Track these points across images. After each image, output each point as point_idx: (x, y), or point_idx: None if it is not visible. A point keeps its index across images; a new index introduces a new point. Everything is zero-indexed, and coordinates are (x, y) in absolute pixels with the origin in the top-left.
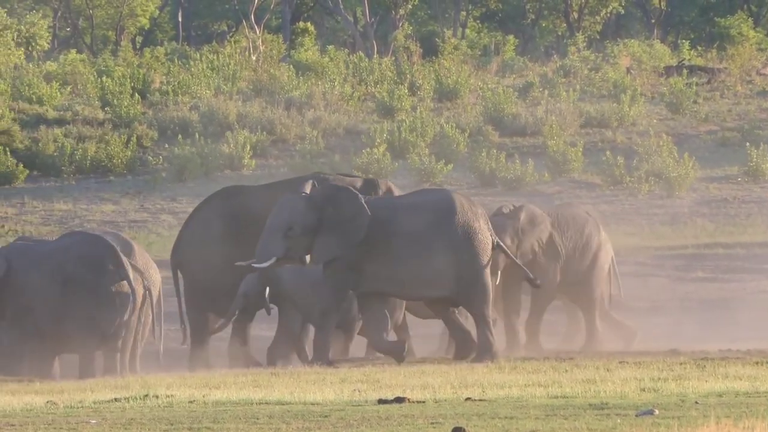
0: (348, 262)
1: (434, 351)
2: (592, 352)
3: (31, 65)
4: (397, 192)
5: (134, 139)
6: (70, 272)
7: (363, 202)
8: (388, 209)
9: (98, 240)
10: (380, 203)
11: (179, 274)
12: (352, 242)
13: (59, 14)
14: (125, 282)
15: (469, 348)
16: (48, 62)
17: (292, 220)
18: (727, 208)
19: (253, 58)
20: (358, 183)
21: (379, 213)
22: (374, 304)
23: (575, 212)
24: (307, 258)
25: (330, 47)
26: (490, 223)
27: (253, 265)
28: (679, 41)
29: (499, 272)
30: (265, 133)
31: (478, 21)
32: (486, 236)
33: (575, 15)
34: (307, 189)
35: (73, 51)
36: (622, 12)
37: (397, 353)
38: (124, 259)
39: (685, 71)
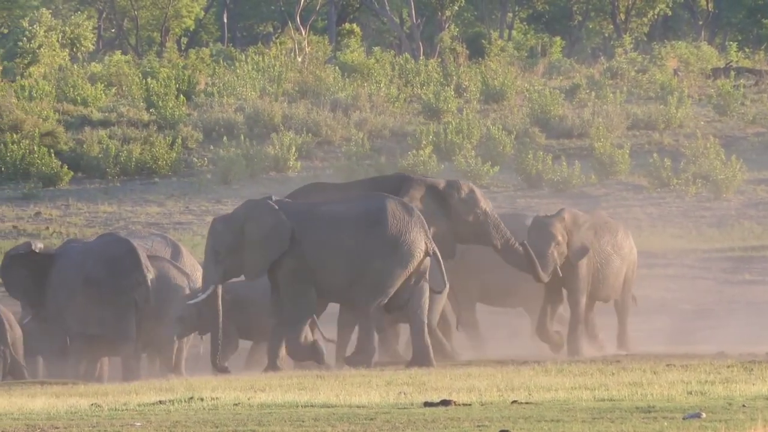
0: (297, 270)
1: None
2: (639, 355)
3: (76, 66)
4: (478, 194)
5: (179, 140)
6: (88, 273)
7: (282, 213)
8: (308, 217)
9: (120, 241)
10: (300, 210)
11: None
12: (276, 254)
13: (104, 15)
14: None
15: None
16: (93, 63)
17: (217, 245)
18: None
19: (299, 59)
20: (441, 184)
21: (300, 222)
22: (294, 307)
23: (606, 218)
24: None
25: (376, 49)
26: (424, 230)
27: (195, 298)
28: (726, 43)
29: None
30: (310, 134)
31: (524, 22)
32: (414, 244)
33: (622, 16)
34: (415, 194)
35: (118, 52)
36: (670, 13)
37: (317, 357)
38: (144, 260)
39: (732, 73)
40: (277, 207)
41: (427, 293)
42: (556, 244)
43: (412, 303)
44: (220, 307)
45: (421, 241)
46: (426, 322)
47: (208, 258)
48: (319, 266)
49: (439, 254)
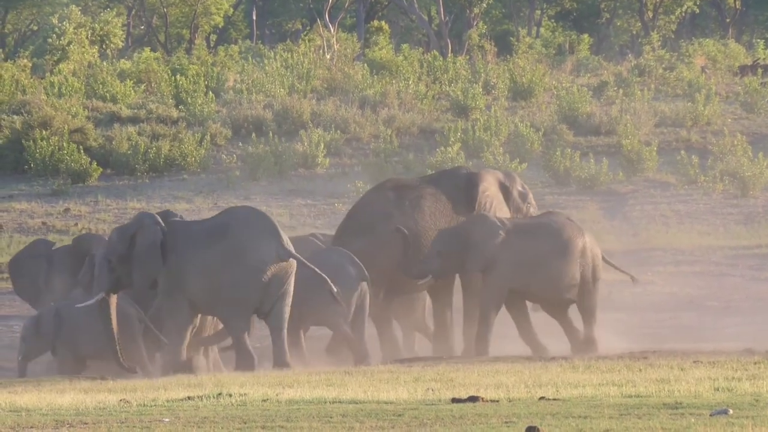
0: (170, 286)
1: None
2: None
3: (105, 63)
4: (519, 188)
5: (208, 137)
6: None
7: (160, 229)
8: (183, 234)
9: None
10: (179, 228)
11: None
12: (155, 268)
13: (133, 12)
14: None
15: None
16: (122, 60)
17: (109, 253)
18: None
19: (328, 56)
20: (501, 176)
21: (176, 238)
22: (170, 321)
23: (552, 219)
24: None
25: (404, 46)
26: (276, 237)
27: (85, 303)
28: (754, 40)
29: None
30: (339, 131)
31: (552, 20)
32: (261, 253)
33: (650, 14)
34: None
35: (147, 49)
36: (697, 11)
37: (186, 370)
38: (283, 241)
39: (759, 70)
40: (161, 222)
41: (288, 299)
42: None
43: (273, 309)
44: (113, 314)
45: (271, 249)
46: (284, 326)
47: (101, 265)
48: (185, 281)
49: (300, 258)
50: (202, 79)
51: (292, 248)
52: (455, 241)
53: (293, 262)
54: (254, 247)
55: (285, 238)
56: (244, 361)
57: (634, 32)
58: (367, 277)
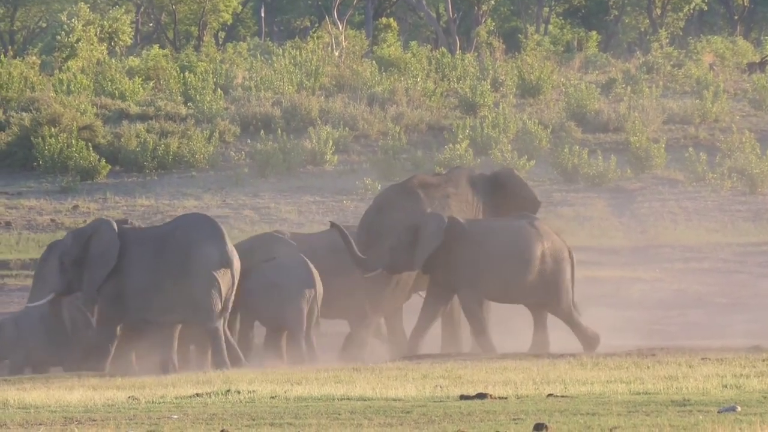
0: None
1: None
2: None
3: (113, 60)
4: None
5: (216, 134)
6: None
7: (115, 235)
8: (136, 240)
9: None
10: (132, 235)
11: None
12: (102, 276)
13: (142, 9)
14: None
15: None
16: (130, 57)
17: (64, 255)
18: None
19: (336, 53)
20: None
21: (128, 244)
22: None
23: (511, 222)
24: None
25: (412, 43)
26: (217, 243)
27: (35, 302)
28: (762, 38)
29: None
30: (347, 128)
31: (560, 17)
32: (206, 259)
33: (658, 11)
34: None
35: (156, 46)
36: (705, 8)
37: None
38: (228, 247)
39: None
40: (115, 230)
41: (216, 300)
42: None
43: (199, 316)
44: (65, 314)
45: (213, 254)
46: (221, 327)
47: (54, 267)
48: (131, 287)
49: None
50: (211, 76)
51: (235, 255)
52: (405, 237)
53: (235, 269)
54: (199, 253)
55: (230, 245)
56: (223, 362)
57: (643, 29)
58: (317, 281)
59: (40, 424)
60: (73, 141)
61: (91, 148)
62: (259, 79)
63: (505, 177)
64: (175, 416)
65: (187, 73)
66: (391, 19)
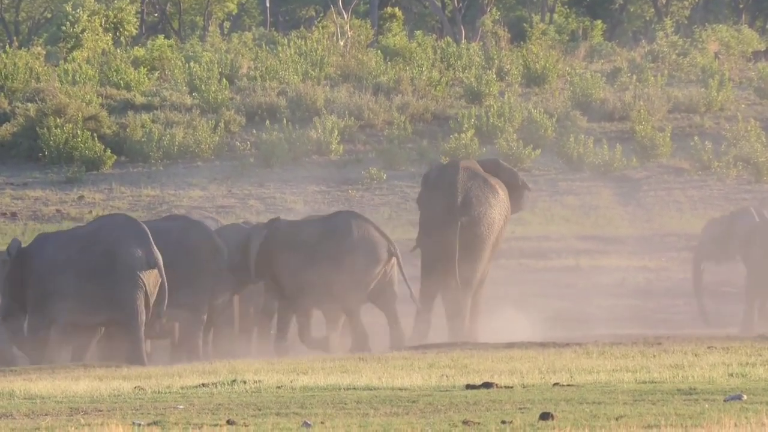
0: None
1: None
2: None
3: (119, 51)
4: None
5: (222, 124)
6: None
7: (17, 245)
8: (55, 243)
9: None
10: (53, 238)
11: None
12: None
13: (147, 0)
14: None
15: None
16: (136, 48)
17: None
18: None
19: (341, 43)
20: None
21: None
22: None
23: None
24: None
25: (418, 32)
26: (141, 243)
27: None
28: (767, 26)
29: None
30: (352, 118)
31: (566, 6)
32: (131, 259)
33: (663, 0)
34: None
35: (161, 36)
36: None
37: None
38: (153, 247)
39: None
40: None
41: (140, 299)
42: None
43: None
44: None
45: (136, 254)
46: (140, 325)
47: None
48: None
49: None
50: (216, 66)
51: (159, 256)
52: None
53: (159, 269)
54: (124, 253)
55: (153, 247)
56: (138, 362)
57: (648, 18)
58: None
59: (46, 415)
60: (79, 131)
61: (96, 139)
62: (264, 68)
63: (492, 167)
64: (181, 406)
65: (192, 63)
66: (396, 9)
